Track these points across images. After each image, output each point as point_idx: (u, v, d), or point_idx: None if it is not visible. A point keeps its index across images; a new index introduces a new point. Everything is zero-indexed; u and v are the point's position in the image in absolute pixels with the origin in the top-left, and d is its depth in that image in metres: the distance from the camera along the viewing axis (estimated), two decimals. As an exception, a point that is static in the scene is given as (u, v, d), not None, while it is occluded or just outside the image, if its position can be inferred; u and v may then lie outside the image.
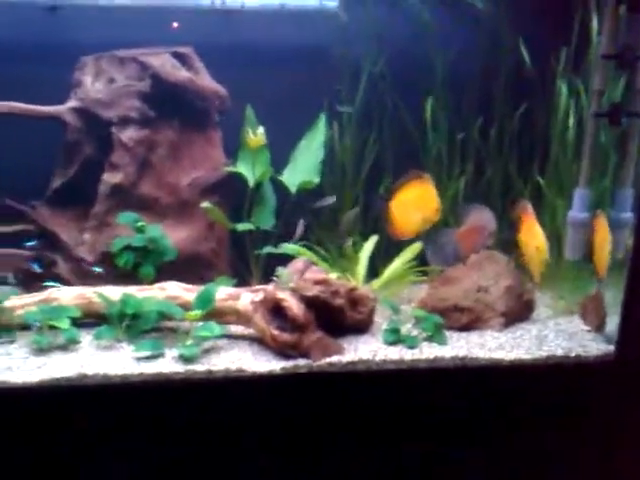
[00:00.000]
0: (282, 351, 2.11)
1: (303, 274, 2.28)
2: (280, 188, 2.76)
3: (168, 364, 2.06)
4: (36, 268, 2.47)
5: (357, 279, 2.58)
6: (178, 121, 2.69)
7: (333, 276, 2.40)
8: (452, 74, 2.79)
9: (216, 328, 2.15)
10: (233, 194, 2.73)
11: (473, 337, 2.29)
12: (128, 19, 2.66)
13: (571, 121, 2.67)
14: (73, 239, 2.57)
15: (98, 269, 2.45)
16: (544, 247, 2.32)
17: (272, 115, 2.69)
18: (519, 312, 2.44)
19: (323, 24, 2.71)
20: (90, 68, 2.63)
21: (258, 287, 2.30)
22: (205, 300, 2.23)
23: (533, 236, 2.34)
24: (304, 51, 2.77)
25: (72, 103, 2.61)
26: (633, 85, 2.27)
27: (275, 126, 2.67)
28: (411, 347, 2.19)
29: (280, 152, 2.75)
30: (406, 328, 2.30)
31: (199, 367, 2.05)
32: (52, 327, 2.16)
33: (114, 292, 2.28)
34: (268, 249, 2.60)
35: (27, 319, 2.17)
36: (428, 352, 2.16)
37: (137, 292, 2.29)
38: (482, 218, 2.34)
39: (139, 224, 2.47)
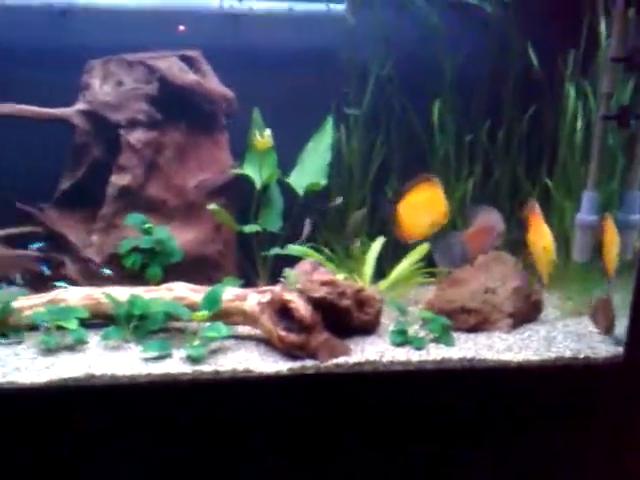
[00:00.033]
0: (289, 352, 2.11)
1: (310, 275, 2.28)
2: (287, 190, 2.76)
3: (175, 365, 2.06)
4: (45, 270, 2.48)
5: (364, 280, 2.58)
6: (185, 124, 2.70)
7: (340, 277, 2.39)
8: (460, 77, 2.79)
9: (223, 329, 2.15)
10: (240, 196, 2.73)
11: (481, 338, 2.29)
12: (136, 23, 2.68)
13: (579, 124, 2.67)
14: (81, 241, 2.58)
15: (107, 271, 2.45)
16: (551, 247, 2.31)
17: (279, 117, 2.70)
18: (527, 313, 2.43)
19: (331, 27, 2.72)
20: (98, 71, 2.65)
21: (265, 288, 2.30)
22: (212, 301, 2.23)
23: (540, 236, 2.33)
24: (312, 54, 2.78)
25: (80, 106, 2.62)
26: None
27: (282, 128, 2.68)
28: (418, 348, 2.18)
29: (287, 154, 2.76)
30: (413, 329, 2.29)
31: (206, 368, 2.05)
32: (60, 328, 2.16)
33: (122, 293, 2.28)
34: (275, 250, 2.60)
35: (35, 320, 2.18)
36: (435, 353, 2.16)
37: (145, 293, 2.30)
38: (490, 219, 2.34)
39: (146, 226, 2.48)
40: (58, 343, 2.14)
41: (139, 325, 2.21)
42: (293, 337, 2.10)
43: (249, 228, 2.64)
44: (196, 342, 2.11)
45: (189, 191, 2.68)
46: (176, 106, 2.66)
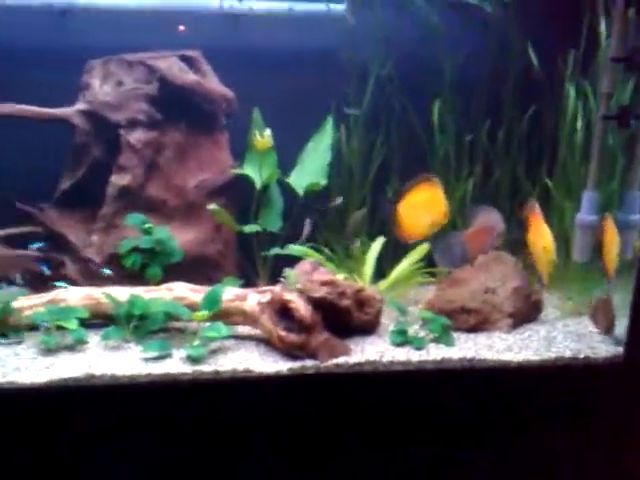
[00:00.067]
0: (289, 352, 2.11)
1: (310, 275, 2.28)
2: (287, 190, 2.76)
3: (175, 365, 2.06)
4: (45, 270, 2.48)
5: (364, 280, 2.58)
6: (185, 124, 2.70)
7: (340, 277, 2.39)
8: (460, 77, 2.79)
9: (223, 329, 2.15)
10: (240, 196, 2.73)
11: (481, 338, 2.29)
12: (136, 23, 2.68)
13: (579, 124, 2.67)
14: (81, 241, 2.58)
15: (107, 271, 2.45)
16: (551, 247, 2.31)
17: (279, 117, 2.70)
18: (527, 313, 2.43)
19: (331, 27, 2.72)
20: (98, 71, 2.65)
21: (265, 288, 2.30)
22: (212, 301, 2.23)
23: (540, 236, 2.33)
24: (312, 54, 2.78)
25: (80, 106, 2.62)
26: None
27: (282, 128, 2.67)
28: (418, 348, 2.18)
29: (287, 154, 2.76)
30: (413, 329, 2.29)
31: (206, 368, 2.05)
32: (60, 328, 2.16)
33: (122, 293, 2.28)
34: (275, 250, 2.60)
35: (35, 320, 2.18)
36: (435, 353, 2.16)
37: (145, 293, 2.30)
38: (490, 219, 2.34)
39: (146, 226, 2.48)
40: (58, 343, 2.14)
41: (139, 325, 2.21)
42: (293, 337, 2.10)
43: (249, 228, 2.64)
44: (196, 342, 2.11)
45: (189, 191, 2.68)
46: (176, 106, 2.66)
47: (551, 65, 2.77)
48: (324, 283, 2.22)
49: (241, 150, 2.76)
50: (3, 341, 2.18)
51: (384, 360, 2.12)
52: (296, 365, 2.07)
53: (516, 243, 2.50)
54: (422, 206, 2.31)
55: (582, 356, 2.18)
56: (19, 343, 2.19)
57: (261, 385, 2.04)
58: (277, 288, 2.23)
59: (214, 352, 2.13)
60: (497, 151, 2.85)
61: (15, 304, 2.24)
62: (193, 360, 2.07)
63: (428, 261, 2.59)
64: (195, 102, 2.69)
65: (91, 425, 1.99)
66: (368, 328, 2.30)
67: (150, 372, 2.02)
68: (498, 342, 2.26)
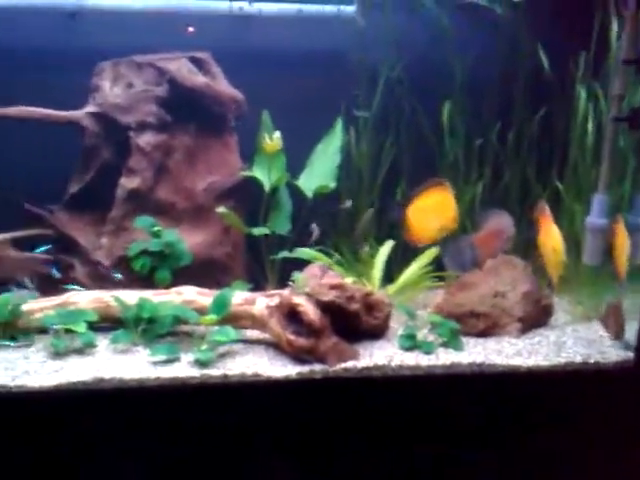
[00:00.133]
0: (298, 356, 2.10)
1: (319, 279, 2.27)
2: (296, 193, 2.76)
3: (184, 368, 2.06)
4: (56, 273, 2.49)
5: (373, 284, 2.57)
6: (195, 126, 2.70)
7: (349, 281, 2.39)
8: (470, 79, 2.77)
9: (232, 333, 2.15)
10: (249, 199, 2.73)
11: (490, 343, 2.27)
12: (145, 25, 2.68)
13: (590, 126, 2.65)
14: (90, 243, 2.59)
15: (118, 275, 2.46)
16: (561, 248, 2.30)
17: (289, 120, 2.69)
18: (537, 318, 2.42)
19: (340, 29, 2.72)
20: (108, 73, 2.65)
21: (274, 292, 2.30)
22: (221, 305, 2.23)
23: (550, 237, 2.32)
24: (321, 56, 2.77)
25: (90, 108, 2.62)
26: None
27: (292, 131, 2.67)
28: (427, 353, 2.18)
29: (296, 157, 2.75)
30: (422, 334, 2.28)
31: (215, 371, 2.05)
32: (69, 331, 2.17)
33: (130, 296, 2.29)
34: (284, 254, 2.60)
35: (45, 323, 2.19)
36: (445, 358, 2.15)
37: (153, 296, 2.30)
38: (500, 223, 2.32)
39: (155, 228, 2.49)
40: (67, 346, 2.15)
41: (148, 328, 2.22)
42: (302, 341, 2.09)
43: (258, 231, 2.64)
44: (204, 346, 2.12)
45: (198, 194, 2.68)
46: (185, 108, 2.66)
47: (562, 67, 2.75)
48: (333, 287, 2.21)
49: (250, 152, 2.76)
50: (12, 344, 2.19)
51: (393, 364, 2.11)
52: (305, 369, 2.07)
53: (526, 245, 2.49)
54: (432, 210, 2.30)
55: (592, 361, 2.17)
56: (28, 346, 2.20)
57: (270, 389, 2.04)
58: (286, 292, 2.23)
59: (222, 356, 2.13)
60: (507, 153, 2.83)
61: (24, 307, 2.25)
62: (201, 364, 2.07)
63: (437, 265, 2.58)
64: (204, 104, 2.68)
65: (100, 429, 1.99)
66: (377, 332, 2.29)
67: (159, 376, 2.02)
68: (507, 347, 2.25)
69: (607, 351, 2.22)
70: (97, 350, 2.18)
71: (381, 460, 2.10)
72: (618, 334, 2.29)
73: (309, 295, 2.18)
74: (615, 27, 2.62)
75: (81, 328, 2.17)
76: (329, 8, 2.76)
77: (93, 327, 2.21)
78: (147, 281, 2.44)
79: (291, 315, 2.14)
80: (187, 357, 2.12)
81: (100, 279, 2.53)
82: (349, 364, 2.09)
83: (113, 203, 2.59)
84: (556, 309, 2.51)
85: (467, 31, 2.73)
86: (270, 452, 2.08)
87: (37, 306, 2.28)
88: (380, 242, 2.70)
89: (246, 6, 2.75)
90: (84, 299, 2.30)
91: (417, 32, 2.77)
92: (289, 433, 2.07)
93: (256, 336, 2.27)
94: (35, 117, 2.56)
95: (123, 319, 2.23)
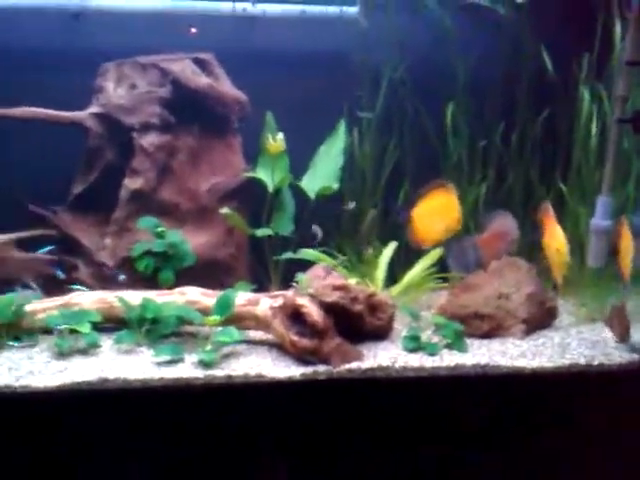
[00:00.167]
0: (301, 357, 2.10)
1: (323, 280, 2.27)
2: (299, 194, 2.76)
3: (188, 369, 2.06)
4: (60, 274, 2.49)
5: (376, 285, 2.57)
6: (198, 127, 2.70)
7: (352, 282, 2.39)
8: (473, 80, 2.77)
9: (235, 333, 2.15)
10: (252, 200, 2.73)
11: (494, 345, 2.27)
12: (149, 26, 2.69)
13: (594, 127, 2.65)
14: (94, 244, 2.59)
15: (122, 276, 2.46)
16: (565, 249, 2.29)
17: (292, 121, 2.69)
18: (541, 319, 2.42)
19: (343, 30, 2.72)
20: (112, 74, 2.66)
21: (277, 293, 2.30)
22: (224, 305, 2.22)
23: (554, 238, 2.32)
24: (324, 57, 2.78)
25: (94, 109, 2.63)
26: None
27: (295, 132, 2.67)
28: (431, 354, 2.17)
29: (300, 158, 2.75)
30: (426, 335, 2.28)
31: (218, 372, 2.04)
32: (73, 331, 2.17)
33: (134, 297, 2.29)
34: (287, 254, 2.60)
35: (49, 323, 2.19)
36: (449, 359, 2.14)
37: (157, 297, 2.30)
38: (505, 224, 2.32)
39: (159, 229, 2.49)
40: (71, 347, 2.15)
41: (151, 329, 2.22)
42: (305, 342, 2.09)
43: (261, 232, 2.64)
44: (208, 347, 2.11)
45: (202, 194, 2.68)
46: (189, 109, 2.66)
47: (565, 68, 2.75)
48: (336, 288, 2.21)
49: (254, 153, 2.76)
50: (17, 344, 2.19)
51: (397, 366, 2.10)
52: (308, 370, 2.06)
53: (531, 247, 2.49)
54: (436, 212, 2.29)
55: (596, 363, 2.16)
56: (32, 346, 2.20)
57: (273, 390, 2.04)
58: (289, 293, 2.23)
59: (226, 357, 2.13)
60: (511, 155, 2.83)
61: (28, 307, 2.25)
62: (205, 365, 2.07)
63: (441, 266, 2.58)
64: (208, 105, 2.69)
65: (104, 429, 1.99)
66: (381, 333, 2.29)
67: (163, 376, 2.02)
68: (512, 348, 2.24)
69: (611, 353, 2.22)
70: (101, 350, 2.18)
71: (385, 461, 2.10)
72: (623, 336, 2.29)
73: (313, 296, 2.17)
74: (618, 28, 2.62)
75: (85, 328, 2.16)
76: (332, 9, 2.76)
77: (97, 327, 2.21)
78: (151, 281, 2.44)
79: (295, 316, 2.14)
80: (191, 358, 2.11)
81: (104, 280, 2.53)
82: (353, 365, 2.09)
83: (117, 204, 2.59)
84: (560, 311, 2.50)
85: (470, 32, 2.73)
86: (274, 453, 2.07)
87: (41, 306, 2.27)
88: (384, 243, 2.70)
89: (249, 7, 2.75)
90: (88, 300, 2.30)
91: (420, 33, 2.77)
92: (293, 434, 2.07)
93: (259, 337, 2.27)
94: (39, 118, 2.56)
95: (127, 319, 2.23)
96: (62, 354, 2.13)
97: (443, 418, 2.09)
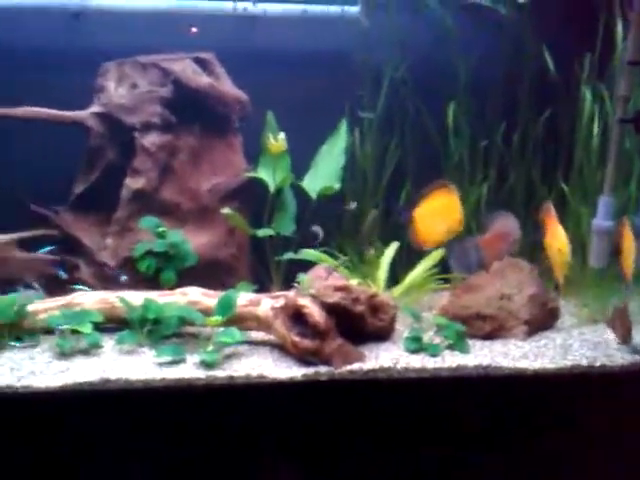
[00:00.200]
0: (303, 358, 2.10)
1: (324, 280, 2.27)
2: (301, 194, 2.75)
3: (189, 370, 2.06)
4: (62, 274, 2.49)
5: (378, 286, 2.57)
6: (199, 127, 2.70)
7: (354, 282, 2.38)
8: (475, 80, 2.77)
9: (237, 334, 2.15)
10: (254, 200, 2.73)
11: (496, 346, 2.27)
12: (150, 25, 2.68)
13: (595, 127, 2.65)
14: (96, 244, 2.59)
15: (124, 277, 2.46)
16: (566, 249, 2.29)
17: (293, 121, 2.69)
18: (543, 320, 2.41)
19: (345, 30, 2.71)
20: (113, 74, 2.65)
21: (279, 293, 2.30)
22: (226, 306, 2.22)
23: (555, 238, 2.31)
24: (326, 57, 2.77)
25: (95, 108, 2.62)
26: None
27: (296, 132, 2.67)
28: (433, 355, 2.17)
29: (301, 158, 2.75)
30: (428, 336, 2.28)
31: (220, 373, 2.04)
32: (75, 331, 2.16)
33: (136, 297, 2.28)
34: (289, 255, 2.59)
35: (50, 323, 2.19)
36: (451, 361, 2.14)
37: (159, 297, 2.30)
38: (507, 225, 2.32)
39: (160, 229, 2.49)
40: (73, 347, 2.15)
41: (153, 329, 2.22)
42: (307, 343, 2.09)
43: (263, 232, 2.63)
44: (210, 347, 2.11)
45: (203, 194, 2.68)
46: (190, 109, 2.66)
47: (567, 68, 2.75)
48: (338, 288, 2.21)
49: (255, 153, 2.75)
50: (18, 344, 2.19)
51: (399, 367, 2.10)
52: (310, 371, 2.06)
53: (532, 247, 2.49)
54: (438, 213, 2.29)
55: (598, 364, 2.16)
56: (34, 347, 2.19)
57: (275, 391, 2.04)
58: (291, 293, 2.23)
59: (228, 357, 2.13)
60: (512, 155, 2.83)
61: (30, 307, 2.25)
62: (207, 365, 2.07)
63: (442, 267, 2.58)
64: (209, 105, 2.68)
65: (106, 429, 1.99)
66: (382, 334, 2.29)
67: (164, 377, 2.02)
68: (514, 349, 2.24)
69: (613, 354, 2.22)
70: (103, 351, 2.18)
71: (387, 463, 2.10)
72: (625, 337, 2.28)
73: (314, 297, 2.17)
74: (620, 28, 2.62)
75: (87, 329, 2.16)
76: (333, 9, 2.76)
77: (99, 328, 2.21)
78: (152, 282, 2.44)
79: (296, 317, 2.14)
80: (192, 358, 2.11)
81: (105, 280, 2.53)
82: (354, 366, 2.09)
83: (118, 204, 2.59)
84: (562, 312, 2.50)
85: (471, 32, 2.73)
86: (275, 454, 2.07)
87: (42, 307, 2.27)
88: (385, 243, 2.70)
89: (250, 6, 2.75)
90: (89, 300, 2.29)
91: (421, 33, 2.77)
92: (294, 435, 2.07)
93: (261, 337, 2.27)
94: (40, 117, 2.56)
95: (129, 320, 2.23)
96: (64, 354, 2.13)
97: (445, 419, 2.09)
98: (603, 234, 2.29)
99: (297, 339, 2.10)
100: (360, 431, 2.07)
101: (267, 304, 2.23)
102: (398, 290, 2.59)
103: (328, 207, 2.72)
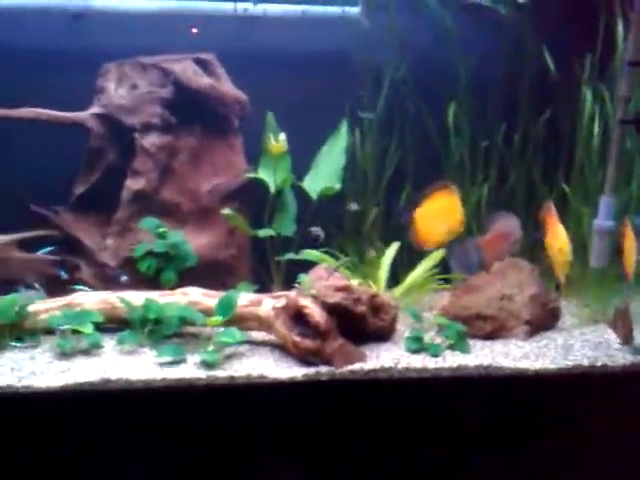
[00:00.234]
0: (304, 358, 2.10)
1: (325, 281, 2.27)
2: (301, 194, 2.75)
3: (190, 370, 2.06)
4: (63, 274, 2.49)
5: (379, 286, 2.57)
6: (199, 127, 2.70)
7: (355, 282, 2.38)
8: (475, 80, 2.77)
9: (237, 334, 2.15)
10: (254, 200, 2.73)
11: (497, 346, 2.27)
12: (150, 26, 2.68)
13: (596, 128, 2.65)
14: (96, 244, 2.59)
15: (124, 277, 2.46)
16: (567, 248, 2.29)
17: (294, 121, 2.69)
18: (544, 321, 2.41)
19: (345, 30, 2.72)
20: (113, 74, 2.66)
21: (279, 293, 2.30)
22: (226, 306, 2.22)
23: (556, 237, 2.31)
24: (326, 57, 2.77)
25: (95, 109, 2.63)
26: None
27: (297, 132, 2.67)
28: (434, 355, 2.17)
29: (302, 158, 2.75)
30: (429, 336, 2.28)
31: (221, 373, 2.04)
32: (75, 332, 2.17)
33: (137, 297, 2.28)
34: (289, 255, 2.59)
35: (51, 323, 2.19)
36: (451, 361, 2.14)
37: (159, 297, 2.30)
38: (508, 225, 2.32)
39: (161, 230, 2.49)
40: (74, 347, 2.15)
41: (154, 329, 2.22)
42: (308, 343, 2.09)
43: (263, 232, 2.63)
44: (210, 347, 2.11)
45: (203, 195, 2.68)
46: (190, 110, 2.66)
47: (567, 68, 2.75)
48: (339, 289, 2.21)
49: (256, 154, 2.75)
50: (19, 345, 2.19)
51: (399, 367, 2.10)
52: (311, 371, 2.06)
53: (533, 248, 2.49)
54: (439, 214, 2.28)
55: (599, 364, 2.16)
56: (35, 347, 2.19)
57: (275, 391, 2.04)
58: (292, 293, 2.23)
59: (228, 357, 2.13)
60: (513, 155, 2.83)
61: (31, 308, 2.25)
62: (208, 365, 2.07)
63: (443, 267, 2.58)
64: (209, 105, 2.69)
65: (106, 429, 1.99)
66: (383, 334, 2.29)
67: (165, 377, 2.02)
68: (515, 350, 2.24)
69: (614, 354, 2.21)
70: (103, 351, 2.18)
71: (387, 462, 2.10)
72: (626, 338, 2.28)
73: (315, 297, 2.17)
74: (621, 29, 2.62)
75: (87, 329, 2.16)
76: (333, 9, 2.76)
77: (99, 328, 2.21)
78: (153, 282, 2.44)
79: (297, 317, 2.14)
80: (193, 358, 2.11)
81: (106, 280, 2.53)
82: (355, 366, 2.09)
83: (118, 204, 2.59)
84: (563, 312, 2.50)
85: (471, 32, 2.73)
86: (276, 454, 2.07)
87: (43, 307, 2.27)
88: (386, 244, 2.69)
89: (251, 7, 2.75)
90: (90, 300, 2.29)
91: (422, 33, 2.77)
92: (295, 435, 2.07)
93: (262, 337, 2.27)
94: (41, 118, 2.56)
95: (129, 320, 2.23)
96: (64, 354, 2.13)
97: (445, 419, 2.08)
98: (604, 234, 2.29)
99: (298, 339, 2.10)
100: (361, 431, 2.07)
101: (268, 304, 2.23)
102: (399, 290, 2.59)
103: (329, 207, 2.72)
